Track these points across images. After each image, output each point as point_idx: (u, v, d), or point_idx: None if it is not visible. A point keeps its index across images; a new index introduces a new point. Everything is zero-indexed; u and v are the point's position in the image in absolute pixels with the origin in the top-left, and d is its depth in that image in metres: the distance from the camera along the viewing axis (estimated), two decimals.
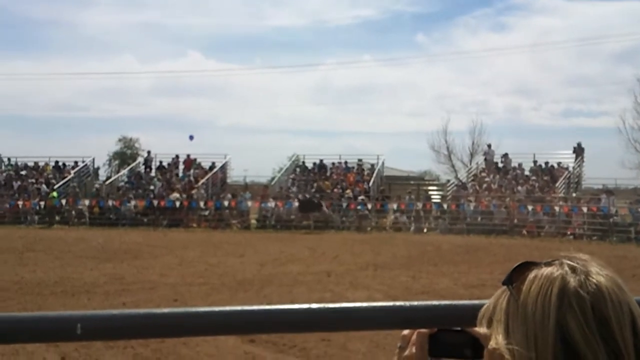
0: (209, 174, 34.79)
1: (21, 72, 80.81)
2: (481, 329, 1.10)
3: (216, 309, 1.19)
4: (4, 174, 36.08)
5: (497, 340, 1.01)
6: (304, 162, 36.80)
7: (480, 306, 1.14)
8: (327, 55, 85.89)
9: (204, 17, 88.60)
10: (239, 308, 1.19)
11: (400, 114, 77.88)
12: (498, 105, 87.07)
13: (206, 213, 31.26)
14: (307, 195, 31.41)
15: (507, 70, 70.89)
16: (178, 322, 1.18)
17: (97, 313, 1.15)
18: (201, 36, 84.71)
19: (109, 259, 17.01)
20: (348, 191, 31.55)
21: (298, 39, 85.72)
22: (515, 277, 1.04)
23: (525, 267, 1.04)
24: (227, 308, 1.19)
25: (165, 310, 1.17)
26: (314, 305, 1.22)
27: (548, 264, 1.03)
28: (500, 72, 71.20)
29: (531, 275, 1.02)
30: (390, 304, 1.23)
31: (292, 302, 9.39)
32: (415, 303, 1.23)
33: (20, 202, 32.10)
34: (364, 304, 1.24)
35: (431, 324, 1.17)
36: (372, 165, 35.18)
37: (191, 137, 37.49)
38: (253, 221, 30.74)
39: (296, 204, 30.41)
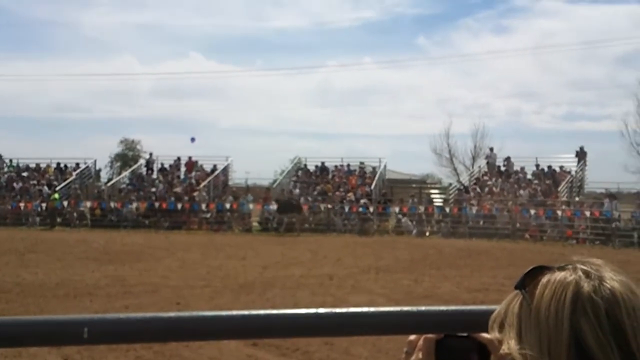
0: (211, 177, 34.81)
1: (23, 73, 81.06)
2: (489, 334, 1.09)
3: (223, 313, 1.18)
4: (6, 176, 36.14)
5: (510, 345, 1.01)
6: (305, 165, 36.81)
7: (488, 312, 1.13)
8: (329, 57, 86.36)
9: (205, 18, 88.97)
10: (246, 312, 1.18)
11: (401, 116, 78.17)
12: (500, 108, 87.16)
13: (208, 215, 31.27)
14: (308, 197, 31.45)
15: (509, 73, 71.19)
16: (185, 326, 1.18)
17: (103, 317, 1.14)
18: (202, 37, 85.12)
19: (111, 261, 17.00)
20: (350, 194, 31.54)
21: (299, 40, 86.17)
22: (528, 281, 1.03)
23: (538, 271, 1.04)
24: (234, 312, 1.18)
25: (172, 314, 1.17)
26: (321, 310, 1.22)
27: (561, 269, 1.03)
28: (502, 75, 71.49)
29: (544, 279, 1.02)
30: (398, 309, 1.22)
31: (295, 306, 9.41)
32: (423, 308, 1.22)
33: (21, 204, 32.12)
34: (372, 309, 1.23)
35: (438, 330, 1.17)
36: (374, 168, 35.17)
37: (193, 140, 37.52)
38: (255, 224, 30.73)
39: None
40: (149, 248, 20.54)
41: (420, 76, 76.90)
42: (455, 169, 44.63)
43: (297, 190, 33.24)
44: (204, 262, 17.05)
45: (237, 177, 39.11)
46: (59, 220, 31.08)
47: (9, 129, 78.37)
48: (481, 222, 28.68)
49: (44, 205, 31.90)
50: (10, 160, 37.60)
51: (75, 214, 31.60)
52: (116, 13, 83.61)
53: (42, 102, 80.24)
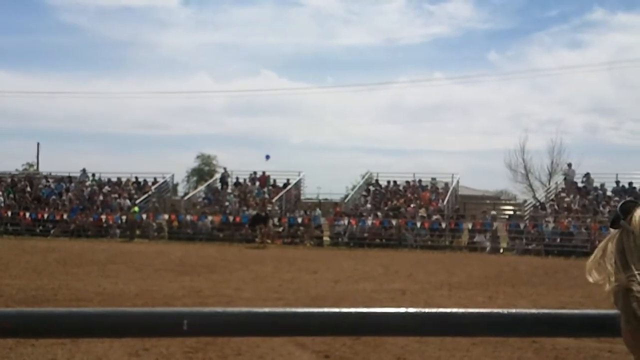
0: (283, 191, 35.17)
1: (105, 91, 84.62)
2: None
3: (314, 310, 1.21)
4: (89, 189, 37.60)
5: (617, 277, 1.01)
6: (377, 180, 36.71)
7: (576, 315, 1.12)
8: (399, 73, 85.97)
9: (277, 36, 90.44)
10: (336, 310, 1.21)
11: (473, 132, 76.95)
12: (576, 124, 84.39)
13: (280, 229, 31.60)
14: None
15: (584, 88, 69.15)
16: (279, 321, 1.21)
17: (203, 310, 1.19)
18: (274, 55, 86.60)
19: (187, 272, 17.38)
20: (422, 210, 31.23)
21: (369, 57, 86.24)
22: (623, 216, 1.03)
23: (630, 205, 1.03)
24: (326, 310, 1.21)
25: (266, 309, 1.21)
26: (411, 310, 1.23)
27: None
28: (577, 90, 69.52)
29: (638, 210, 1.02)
30: (488, 310, 1.22)
31: None
32: (514, 311, 1.21)
33: (103, 216, 33.37)
34: (461, 310, 1.23)
35: (531, 333, 1.16)
36: (446, 183, 34.74)
37: (267, 157, 37.88)
38: (326, 238, 30.83)
39: (370, 222, 30.44)
40: (223, 260, 20.92)
41: (493, 91, 75.77)
42: (530, 185, 43.51)
43: (368, 206, 33.18)
44: (276, 275, 17.21)
45: (308, 192, 39.42)
46: (138, 232, 32.06)
47: (92, 145, 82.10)
48: (558, 240, 27.85)
49: (124, 217, 33.02)
50: (93, 175, 39.13)
51: (154, 225, 32.57)
52: (191, 33, 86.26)
53: (123, 119, 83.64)
